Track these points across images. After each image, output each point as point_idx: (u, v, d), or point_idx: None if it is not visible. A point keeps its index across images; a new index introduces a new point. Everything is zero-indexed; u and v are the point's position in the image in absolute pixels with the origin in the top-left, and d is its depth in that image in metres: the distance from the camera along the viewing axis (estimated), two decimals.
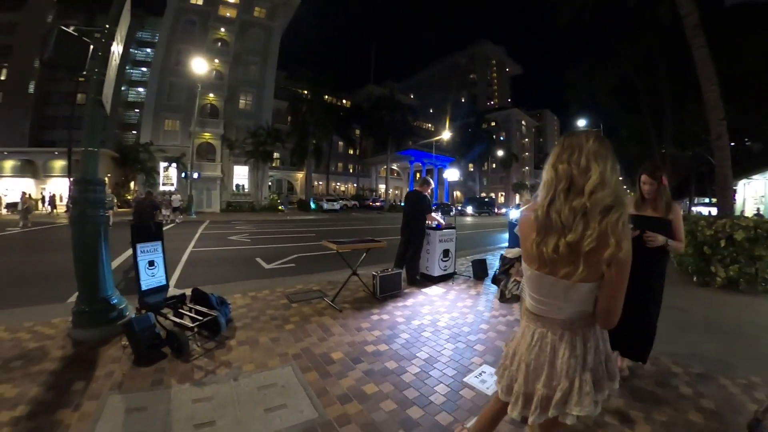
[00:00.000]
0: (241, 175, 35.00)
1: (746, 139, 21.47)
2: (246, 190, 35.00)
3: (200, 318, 3.53)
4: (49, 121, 33.99)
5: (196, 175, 27.98)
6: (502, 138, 64.33)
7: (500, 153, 55.76)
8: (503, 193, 64.49)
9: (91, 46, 3.55)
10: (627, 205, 1.23)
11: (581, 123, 25.20)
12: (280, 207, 32.46)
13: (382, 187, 51.44)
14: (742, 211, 17.08)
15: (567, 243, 1.16)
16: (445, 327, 4.08)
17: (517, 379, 1.38)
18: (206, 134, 32.38)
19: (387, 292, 5.18)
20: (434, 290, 5.66)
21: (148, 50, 39.02)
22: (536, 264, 1.26)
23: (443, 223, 6.35)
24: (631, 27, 18.86)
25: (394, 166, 53.00)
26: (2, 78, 33.29)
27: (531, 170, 70.55)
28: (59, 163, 28.54)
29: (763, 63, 15.23)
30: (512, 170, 62.28)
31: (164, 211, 17.98)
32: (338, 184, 51.44)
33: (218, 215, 26.29)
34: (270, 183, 39.08)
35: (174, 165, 30.18)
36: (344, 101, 49.66)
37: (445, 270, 6.24)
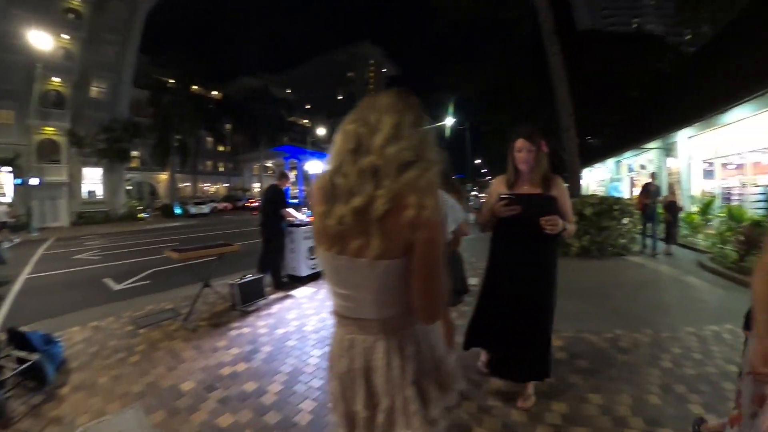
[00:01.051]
0: (93, 179, 29.03)
1: (588, 137, 26.07)
2: (100, 197, 29.15)
3: (17, 366, 2.72)
4: None
5: (36, 181, 22.71)
6: None
7: None
8: None
9: None
10: (436, 164, 1.01)
11: (450, 121, 27.57)
12: (140, 215, 27.98)
13: (256, 186, 48.20)
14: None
15: (353, 209, 0.94)
16: (312, 331, 3.82)
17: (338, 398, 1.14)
18: (49, 129, 25.71)
19: (249, 301, 4.70)
20: (302, 291, 5.41)
21: None
22: (325, 242, 1.02)
23: (304, 219, 6.05)
24: (500, 38, 21.31)
25: (269, 164, 50.15)
26: None
27: None
28: None
29: (601, 77, 19.40)
30: None
31: None
32: (207, 184, 46.39)
33: (66, 230, 21.66)
34: (129, 187, 33.41)
35: (7, 169, 23.75)
36: (214, 93, 45.38)
37: (314, 268, 5.90)
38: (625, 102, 20.57)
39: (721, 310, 4.30)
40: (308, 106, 71.82)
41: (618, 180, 18.53)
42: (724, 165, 10.40)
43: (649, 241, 8.06)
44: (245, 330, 3.94)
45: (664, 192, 8.93)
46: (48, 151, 25.97)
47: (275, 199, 5.47)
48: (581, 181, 21.83)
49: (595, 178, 22.98)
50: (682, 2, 24.48)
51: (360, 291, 1.02)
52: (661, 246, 8.14)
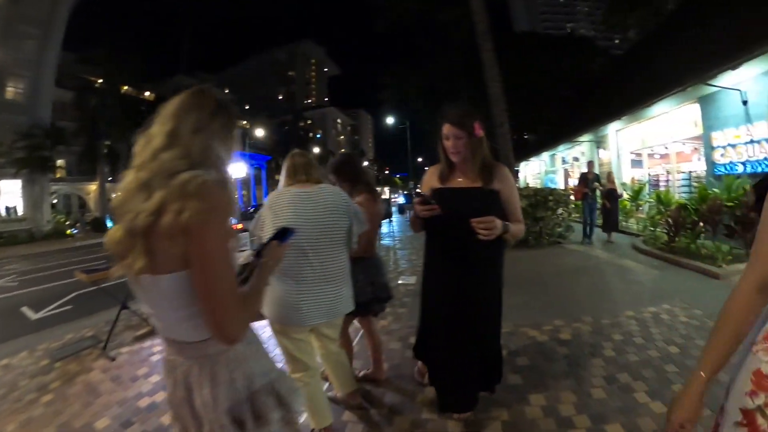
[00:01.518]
0: (11, 193, 26.01)
1: (525, 133, 27.76)
2: (21, 214, 26.20)
3: None
4: None
5: None
6: (318, 135, 67.09)
7: (316, 150, 56.81)
8: None
9: None
10: (220, 166, 0.99)
11: (391, 120, 28.40)
12: (69, 231, 25.23)
13: None
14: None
15: (124, 228, 0.90)
16: None
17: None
18: None
19: None
20: None
21: None
22: (117, 261, 0.98)
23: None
24: (439, 39, 21.85)
25: None
26: None
27: None
28: None
29: (537, 77, 20.83)
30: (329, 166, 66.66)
31: None
32: None
33: None
34: (55, 201, 30.50)
35: None
36: (147, 94, 42.42)
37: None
38: (559, 99, 22.06)
39: (657, 290, 4.49)
40: (247, 107, 70.12)
41: (553, 172, 19.58)
42: (650, 155, 11.21)
43: (588, 229, 8.37)
44: None
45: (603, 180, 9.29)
46: None
47: None
48: (519, 175, 23.44)
49: (531, 171, 24.35)
50: (611, 10, 27.13)
51: (159, 310, 0.98)
52: (603, 235, 8.43)
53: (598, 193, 8.52)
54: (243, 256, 1.71)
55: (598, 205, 8.52)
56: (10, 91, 26.25)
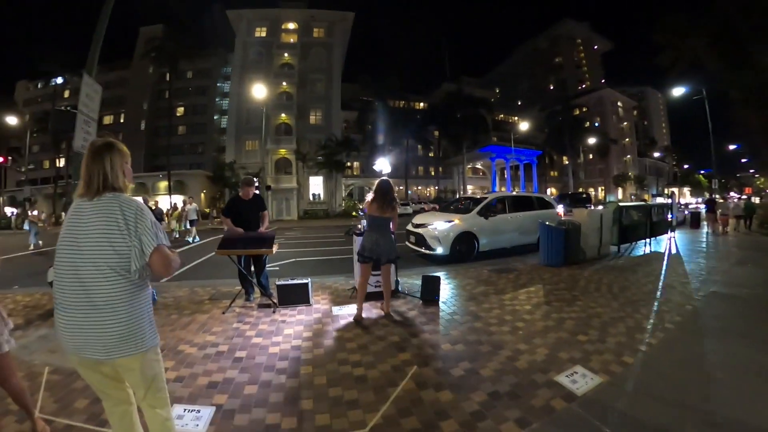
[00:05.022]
0: (316, 184, 37.91)
1: None
2: (321, 199, 37.62)
3: None
4: (158, 150, 40.79)
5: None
6: (596, 124, 56.55)
7: (592, 140, 47.70)
8: (603, 187, 57.26)
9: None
10: None
11: (679, 92, 20.75)
12: (354, 212, 33.10)
13: (469, 187, 48.11)
14: None
15: None
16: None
17: None
18: (282, 150, 35.72)
19: (288, 303, 4.58)
20: (348, 310, 4.42)
21: None
22: None
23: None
24: None
25: (478, 165, 51.24)
26: (122, 121, 45.40)
27: (634, 158, 60.54)
28: (163, 183, 34.47)
29: None
30: (611, 159, 54.98)
31: (174, 224, 16.23)
32: (419, 187, 50.44)
33: (294, 222, 28.51)
34: (351, 190, 42.19)
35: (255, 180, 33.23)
36: (421, 104, 49.37)
37: (377, 286, 4.74)
38: None
39: None
40: (519, 102, 69.69)
41: None
42: None
43: None
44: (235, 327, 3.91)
45: None
46: (283, 166, 36.38)
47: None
48: None
49: None
50: None
51: None
52: None
53: None
54: None
55: None
56: (312, 119, 39.09)
